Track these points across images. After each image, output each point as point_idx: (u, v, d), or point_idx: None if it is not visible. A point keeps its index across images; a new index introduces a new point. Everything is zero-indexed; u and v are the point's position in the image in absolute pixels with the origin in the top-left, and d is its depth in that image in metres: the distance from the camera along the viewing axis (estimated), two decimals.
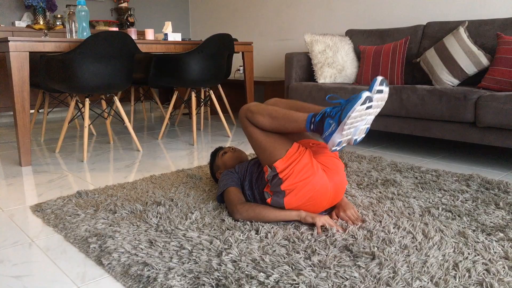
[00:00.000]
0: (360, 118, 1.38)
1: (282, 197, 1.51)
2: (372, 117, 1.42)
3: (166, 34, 3.32)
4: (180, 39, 3.34)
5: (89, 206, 1.77)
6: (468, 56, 2.63)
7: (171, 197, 1.86)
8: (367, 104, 1.35)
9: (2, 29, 3.96)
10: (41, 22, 3.36)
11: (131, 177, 2.28)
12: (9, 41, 2.38)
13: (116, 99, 2.87)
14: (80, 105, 3.36)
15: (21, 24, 4.25)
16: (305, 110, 1.60)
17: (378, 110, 1.42)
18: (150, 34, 3.35)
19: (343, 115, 1.36)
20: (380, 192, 1.88)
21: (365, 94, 1.34)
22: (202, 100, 3.67)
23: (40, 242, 1.49)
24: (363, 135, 1.46)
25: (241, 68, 4.71)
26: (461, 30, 2.71)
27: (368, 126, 1.45)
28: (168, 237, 1.44)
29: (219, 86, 3.91)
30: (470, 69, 2.64)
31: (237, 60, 5.04)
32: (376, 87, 1.37)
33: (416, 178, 2.10)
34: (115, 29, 3.15)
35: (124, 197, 1.88)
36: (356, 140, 1.44)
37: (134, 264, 1.27)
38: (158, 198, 1.85)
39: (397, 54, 3.02)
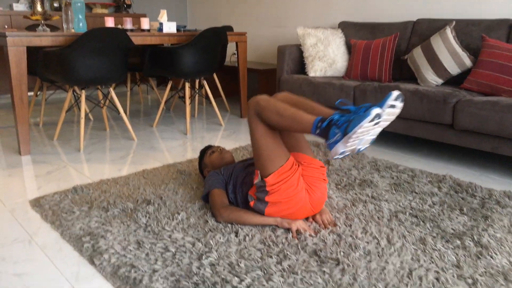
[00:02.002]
0: (367, 133, 1.37)
1: (264, 206, 1.64)
2: (380, 129, 1.40)
3: (161, 24, 3.37)
4: (175, 29, 3.39)
5: (84, 203, 1.91)
6: (452, 57, 2.71)
7: (160, 194, 2.00)
8: (376, 121, 1.33)
9: (1, 13, 4.00)
10: (38, 7, 3.42)
11: (125, 170, 2.41)
12: (7, 36, 2.45)
13: (111, 90, 2.96)
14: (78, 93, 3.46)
15: (18, 7, 4.28)
16: (314, 111, 1.57)
17: (388, 123, 1.41)
18: (145, 23, 3.40)
19: (349, 128, 1.34)
20: (356, 194, 2.01)
21: (375, 111, 1.32)
22: (196, 90, 3.76)
23: (38, 240, 1.64)
24: (368, 145, 1.45)
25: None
26: (448, 30, 2.77)
27: (374, 137, 1.43)
28: (155, 238, 1.59)
29: None
30: (453, 69, 2.72)
31: (233, 44, 5.08)
32: (390, 101, 1.35)
33: (393, 178, 2.23)
34: (111, 19, 3.20)
35: (117, 194, 2.01)
36: (360, 149, 1.43)
37: (123, 265, 1.41)
38: (148, 195, 1.99)
39: (386, 50, 3.09)
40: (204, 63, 3.17)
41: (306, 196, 1.63)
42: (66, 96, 3.00)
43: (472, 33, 2.80)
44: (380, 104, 1.36)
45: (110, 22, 3.17)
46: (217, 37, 3.18)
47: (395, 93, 1.36)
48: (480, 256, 1.47)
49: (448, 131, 2.44)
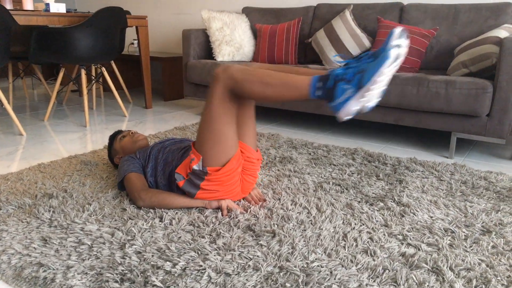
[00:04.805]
0: (386, 80, 1.18)
1: (196, 190, 1.50)
2: (390, 78, 1.21)
3: (47, 4, 2.99)
4: (64, 11, 3.04)
5: None
6: (353, 38, 2.85)
7: (64, 187, 1.74)
8: (396, 63, 1.14)
9: None
10: None
11: (15, 167, 2.07)
12: None
13: None
14: None
15: None
16: (301, 74, 1.37)
17: (396, 69, 1.21)
18: (28, 4, 3.00)
19: (366, 79, 1.15)
20: (278, 170, 1.99)
21: (394, 51, 1.12)
22: (93, 78, 3.43)
23: None
24: (377, 100, 1.24)
25: (135, 42, 4.47)
26: (347, 13, 2.90)
27: (385, 87, 1.23)
28: (64, 233, 1.36)
29: (112, 61, 3.68)
30: (354, 50, 2.86)
31: (130, 32, 4.77)
32: (395, 41, 1.13)
33: (310, 154, 2.26)
34: None
35: (9, 191, 1.71)
36: (369, 106, 1.24)
37: (28, 266, 1.18)
38: (49, 189, 1.72)
39: (291, 34, 3.14)
40: (101, 47, 2.89)
41: (239, 191, 1.57)
42: None
43: (369, 16, 2.97)
44: (386, 47, 1.15)
45: None
46: (115, 18, 2.92)
47: (397, 30, 1.15)
48: (404, 214, 1.53)
49: None
